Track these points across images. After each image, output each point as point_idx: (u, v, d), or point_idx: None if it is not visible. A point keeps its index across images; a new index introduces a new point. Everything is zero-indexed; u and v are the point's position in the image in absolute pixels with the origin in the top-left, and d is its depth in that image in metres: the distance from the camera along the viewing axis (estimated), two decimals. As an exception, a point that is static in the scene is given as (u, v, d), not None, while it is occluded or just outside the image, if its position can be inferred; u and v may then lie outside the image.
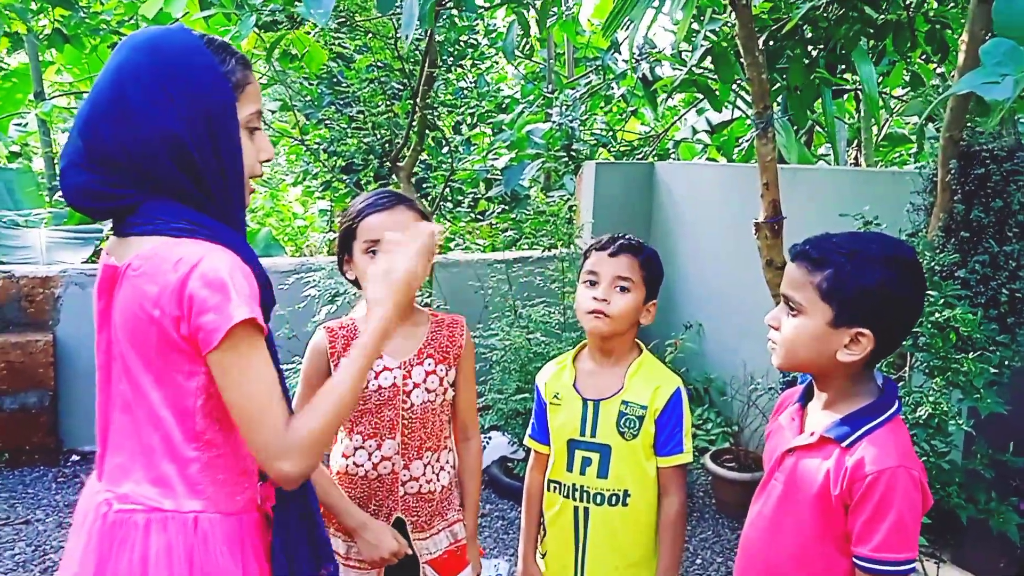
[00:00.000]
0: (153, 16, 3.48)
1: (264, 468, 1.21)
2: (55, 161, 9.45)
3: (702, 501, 3.83)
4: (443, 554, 1.82)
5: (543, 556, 1.95)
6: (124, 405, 1.26)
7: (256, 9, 2.97)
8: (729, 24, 3.60)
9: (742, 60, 3.09)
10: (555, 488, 1.89)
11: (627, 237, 1.85)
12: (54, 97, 8.06)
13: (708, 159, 6.47)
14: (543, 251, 4.48)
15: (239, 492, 1.29)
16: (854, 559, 1.39)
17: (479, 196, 6.30)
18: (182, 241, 1.21)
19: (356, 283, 1.79)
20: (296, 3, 3.33)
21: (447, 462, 1.85)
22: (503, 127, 6.04)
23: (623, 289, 1.80)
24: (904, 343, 2.59)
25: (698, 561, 3.31)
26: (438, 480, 1.82)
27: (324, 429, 1.21)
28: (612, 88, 6.25)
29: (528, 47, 7.25)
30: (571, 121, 5.33)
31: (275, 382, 1.21)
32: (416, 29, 2.04)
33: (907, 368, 2.71)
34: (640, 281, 1.82)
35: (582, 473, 1.83)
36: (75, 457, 4.02)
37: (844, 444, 1.41)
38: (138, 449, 1.25)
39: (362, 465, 1.77)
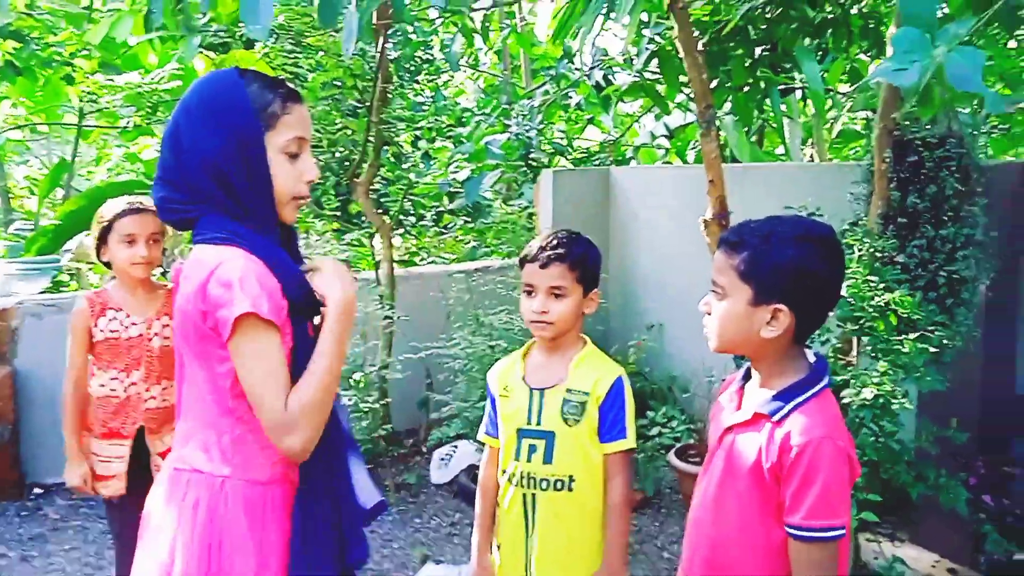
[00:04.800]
0: (99, 42, 3.52)
1: (274, 444, 1.41)
2: (9, 195, 9.42)
3: (669, 497, 3.91)
4: (167, 449, 2.31)
5: (498, 547, 2.02)
6: (190, 382, 1.53)
7: (200, 31, 3.02)
8: (672, 27, 3.72)
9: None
10: (506, 478, 1.96)
11: (554, 243, 1.91)
12: (7, 131, 8.05)
13: (667, 162, 6.61)
14: (504, 260, 4.57)
15: (268, 464, 1.48)
16: (786, 528, 1.45)
17: (442, 210, 6.38)
18: (217, 248, 1.44)
19: (108, 264, 2.48)
20: (240, 24, 3.39)
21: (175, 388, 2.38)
22: (462, 140, 6.14)
23: (559, 296, 1.90)
24: (849, 328, 2.70)
25: (665, 555, 3.39)
26: (170, 399, 2.45)
27: (313, 405, 1.41)
28: (568, 97, 6.38)
29: (476, 59, 7.35)
30: (528, 131, 5.44)
31: (278, 371, 1.41)
32: (359, 44, 2.11)
33: (854, 353, 2.81)
34: (574, 283, 1.90)
35: (528, 460, 1.91)
36: (38, 490, 4.01)
37: (775, 419, 1.48)
38: (195, 418, 1.51)
39: (115, 390, 2.46)
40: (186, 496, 1.48)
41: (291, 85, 1.56)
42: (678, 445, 3.92)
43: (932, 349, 2.55)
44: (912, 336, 2.54)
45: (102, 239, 2.46)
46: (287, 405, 1.39)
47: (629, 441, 1.90)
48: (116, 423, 2.47)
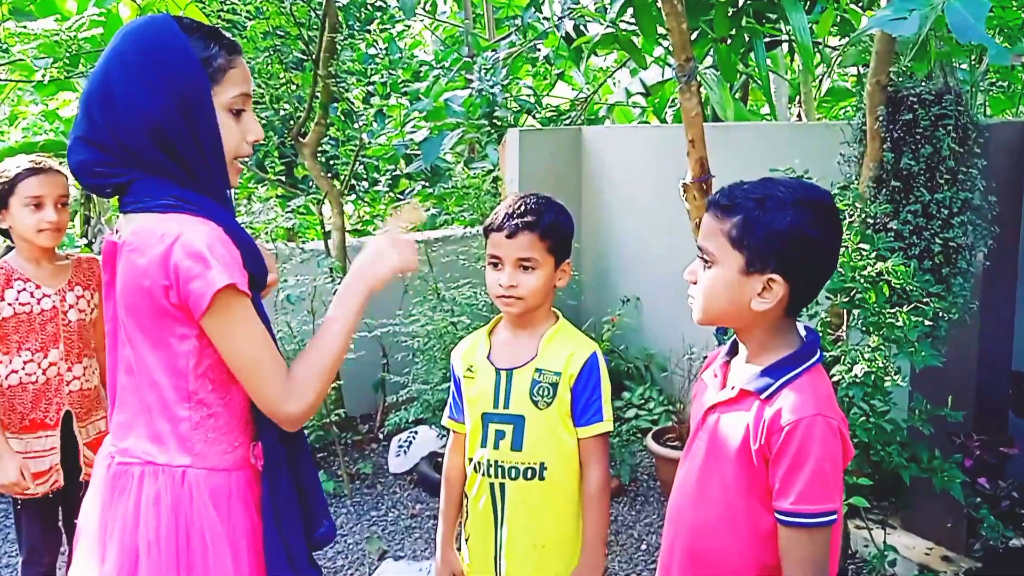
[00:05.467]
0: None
1: (271, 415, 1.45)
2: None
3: (646, 484, 3.95)
4: (97, 435, 2.47)
5: (466, 540, 2.02)
6: (127, 368, 1.51)
7: (125, -30, 2.93)
8: (648, -28, 3.70)
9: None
10: (473, 467, 1.96)
11: (522, 208, 1.88)
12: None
13: (644, 122, 6.61)
14: (466, 228, 4.54)
15: (229, 450, 1.50)
16: (775, 514, 1.46)
17: (398, 173, 6.31)
18: (168, 216, 1.42)
19: (6, 233, 2.43)
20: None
21: (96, 367, 2.52)
22: (419, 96, 6.06)
23: (528, 268, 1.87)
24: (839, 300, 2.73)
25: (643, 547, 3.43)
26: (93, 379, 2.50)
27: (319, 373, 1.47)
28: (536, 50, 6.33)
29: (434, 6, 7.26)
30: (492, 87, 5.39)
31: (266, 337, 1.45)
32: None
33: (844, 327, 2.84)
34: (546, 253, 1.88)
35: (496, 447, 1.90)
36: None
37: (763, 396, 1.48)
38: (138, 408, 1.49)
39: (32, 374, 2.40)
40: (143, 492, 1.47)
41: (229, 36, 1.52)
42: (656, 428, 3.96)
43: (927, 322, 2.58)
44: (906, 308, 2.57)
45: (2, 203, 2.38)
46: (296, 371, 1.44)
47: (606, 424, 1.90)
48: (38, 412, 2.41)
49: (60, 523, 2.54)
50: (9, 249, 2.47)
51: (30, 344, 2.39)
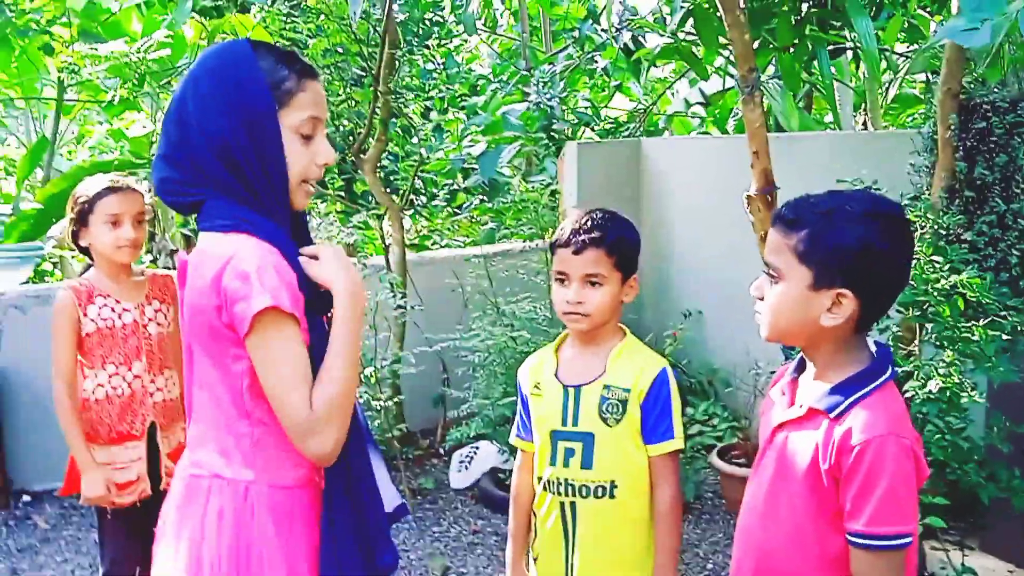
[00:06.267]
0: (82, 8, 3.53)
1: (299, 449, 1.43)
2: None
3: (712, 502, 3.91)
4: (178, 445, 2.54)
5: (535, 560, 2.02)
6: (200, 382, 1.55)
7: (193, -6, 3.03)
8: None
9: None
10: (543, 486, 1.96)
11: (589, 224, 1.88)
12: (-18, 105, 8.11)
13: (704, 133, 6.57)
14: (525, 242, 4.56)
15: (292, 467, 1.52)
16: (847, 536, 1.43)
17: (456, 188, 6.37)
18: (229, 236, 1.46)
19: (86, 251, 2.51)
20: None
21: (177, 379, 2.59)
22: (477, 110, 6.11)
23: (595, 283, 1.88)
24: (911, 314, 2.68)
25: (709, 566, 3.39)
26: (175, 390, 2.57)
27: (336, 403, 1.42)
28: (594, 61, 6.34)
29: (493, 20, 7.32)
30: (550, 99, 5.41)
31: (301, 365, 1.43)
32: (367, 5, 2.10)
33: (917, 341, 2.79)
34: (612, 269, 1.88)
35: (566, 465, 1.90)
36: (26, 497, 4.07)
37: (833, 415, 1.46)
38: (210, 421, 1.53)
39: (118, 387, 2.48)
40: (209, 504, 1.50)
41: (306, 60, 1.56)
42: (720, 445, 3.92)
43: (1004, 336, 2.52)
44: (982, 322, 2.51)
45: (81, 221, 2.46)
46: (312, 406, 1.41)
47: (677, 441, 1.89)
48: (125, 424, 2.49)
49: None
50: (88, 267, 2.55)
51: (114, 358, 2.48)
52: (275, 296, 1.39)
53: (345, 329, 1.47)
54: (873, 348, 1.55)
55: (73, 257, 5.78)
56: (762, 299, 1.56)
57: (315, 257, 1.53)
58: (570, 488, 1.90)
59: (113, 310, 2.48)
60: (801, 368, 1.62)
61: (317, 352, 1.46)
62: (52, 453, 3.27)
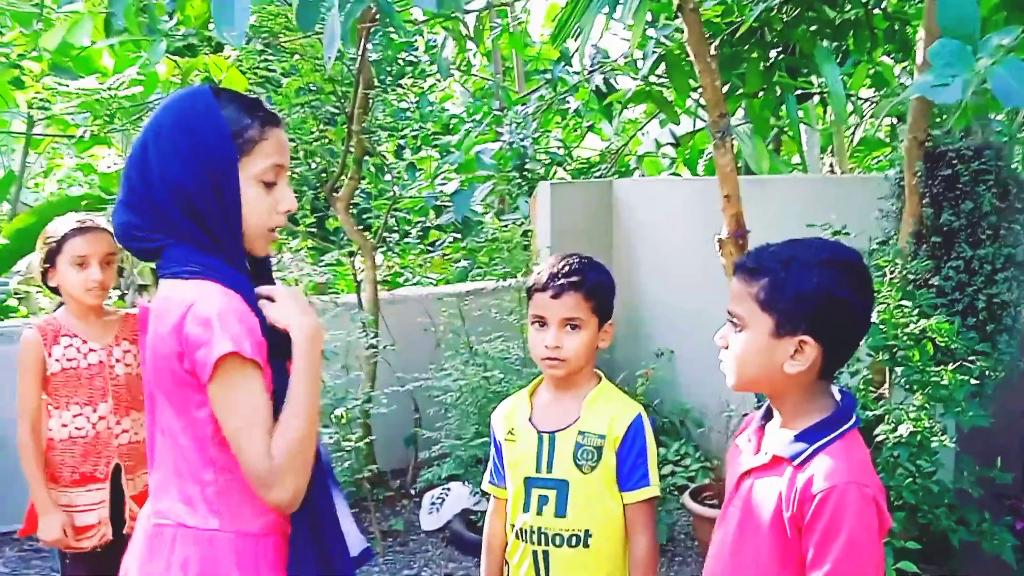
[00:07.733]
0: (55, 47, 3.52)
1: (260, 496, 1.42)
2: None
3: (683, 544, 3.89)
4: (144, 488, 2.40)
5: (508, 609, 1.99)
6: (163, 429, 1.53)
7: (166, 34, 3.02)
8: (680, 29, 3.74)
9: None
10: (515, 533, 1.94)
11: (567, 269, 1.89)
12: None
13: (674, 174, 6.63)
14: (498, 281, 4.56)
15: (257, 515, 1.49)
16: None
17: (428, 225, 6.37)
18: (190, 283, 1.45)
19: (56, 290, 2.47)
20: (210, 27, 3.39)
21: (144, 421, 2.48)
22: (450, 149, 6.14)
23: (574, 327, 1.88)
24: (881, 358, 2.71)
25: (681, 609, 3.37)
26: (142, 432, 2.47)
27: (296, 451, 1.42)
28: (566, 102, 6.40)
29: (468, 63, 7.38)
30: (523, 139, 5.45)
31: (262, 413, 1.41)
32: (341, 46, 2.11)
33: (887, 385, 2.81)
34: (590, 313, 1.89)
35: (539, 513, 1.88)
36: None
37: (796, 462, 1.46)
38: (172, 469, 1.51)
39: (82, 428, 2.44)
40: (173, 555, 1.48)
41: (269, 107, 1.56)
42: (693, 486, 3.90)
43: (973, 381, 2.55)
44: (951, 366, 2.54)
45: (50, 261, 2.43)
46: (273, 455, 1.39)
47: (653, 488, 1.88)
48: (88, 466, 2.44)
49: None
50: (60, 304, 2.52)
51: (79, 398, 2.43)
52: (237, 342, 1.38)
53: (303, 374, 1.46)
54: (838, 396, 1.56)
55: (39, 292, 5.69)
56: (727, 348, 1.57)
57: (271, 299, 1.52)
58: (543, 537, 1.88)
59: (79, 350, 2.44)
60: (768, 416, 1.63)
61: (280, 398, 1.45)
62: (14, 494, 3.18)
